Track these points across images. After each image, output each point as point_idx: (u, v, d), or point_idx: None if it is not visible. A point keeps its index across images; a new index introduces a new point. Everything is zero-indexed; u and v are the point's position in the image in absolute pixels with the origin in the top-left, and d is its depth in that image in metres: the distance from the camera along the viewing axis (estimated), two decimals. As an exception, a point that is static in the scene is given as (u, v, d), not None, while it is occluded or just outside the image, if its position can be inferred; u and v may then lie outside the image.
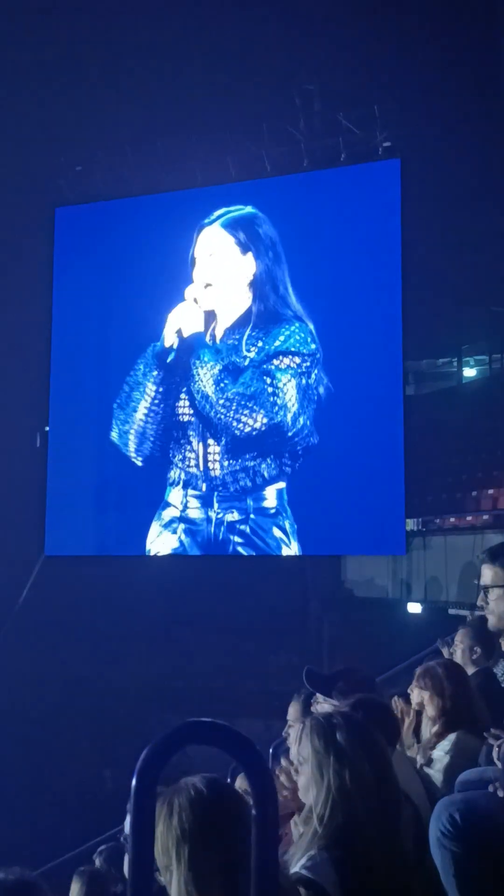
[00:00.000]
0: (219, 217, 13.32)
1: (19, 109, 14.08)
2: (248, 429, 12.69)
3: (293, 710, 3.50)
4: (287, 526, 12.59)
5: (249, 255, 13.08)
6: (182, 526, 13.12)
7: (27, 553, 14.34)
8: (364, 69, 13.59)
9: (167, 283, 13.62)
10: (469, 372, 17.77)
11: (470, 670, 4.13)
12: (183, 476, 13.18)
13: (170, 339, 13.30)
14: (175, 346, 13.21)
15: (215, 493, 12.93)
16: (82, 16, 13.95)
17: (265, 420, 12.64)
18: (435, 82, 13.76)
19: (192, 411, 13.22)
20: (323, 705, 3.17)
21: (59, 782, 12.23)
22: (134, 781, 1.13)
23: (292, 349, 12.64)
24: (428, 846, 2.30)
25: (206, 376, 13.04)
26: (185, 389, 13.29)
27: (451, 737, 3.26)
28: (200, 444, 13.10)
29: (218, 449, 12.97)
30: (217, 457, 12.97)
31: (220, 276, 13.13)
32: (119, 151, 13.99)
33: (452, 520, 12.74)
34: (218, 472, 12.93)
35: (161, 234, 13.78)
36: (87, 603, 13.77)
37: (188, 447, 13.20)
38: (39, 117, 14.07)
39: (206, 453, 13.04)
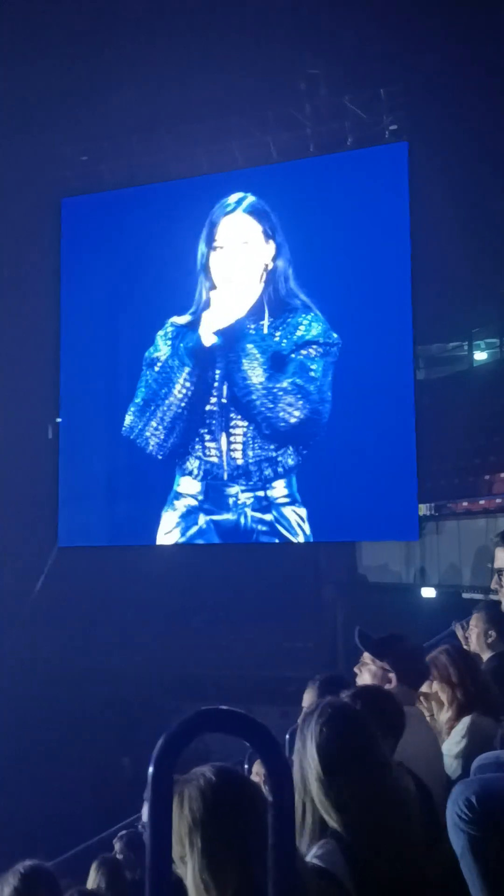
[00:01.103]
0: (238, 203, 13.23)
1: (24, 100, 14.02)
2: (293, 419, 12.62)
3: (308, 697, 3.51)
4: (303, 513, 12.60)
5: (271, 242, 13.03)
6: (204, 516, 13.11)
7: (41, 544, 14.42)
8: (369, 52, 13.45)
9: (175, 272, 13.59)
10: (480, 355, 17.67)
11: (485, 655, 4.12)
12: (204, 466, 13.15)
13: (213, 325, 13.16)
14: (218, 332, 13.06)
15: (239, 483, 12.91)
16: (86, 5, 13.87)
17: (307, 411, 12.56)
18: (441, 63, 13.61)
19: (218, 400, 13.10)
20: (370, 666, 3.20)
21: (77, 771, 12.33)
22: (151, 769, 1.14)
23: (320, 339, 12.58)
24: (444, 830, 2.30)
25: (251, 364, 12.94)
26: (217, 378, 13.16)
27: (465, 720, 3.27)
28: (224, 434, 13.05)
29: (241, 438, 12.92)
30: (240, 446, 12.93)
31: (251, 264, 13.04)
32: (124, 140, 13.95)
33: (465, 504, 12.70)
34: (241, 462, 12.90)
35: (168, 222, 13.74)
36: (102, 593, 13.83)
37: (210, 437, 13.14)
38: (44, 107, 14.01)
39: (230, 443, 13.00)
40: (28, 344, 14.44)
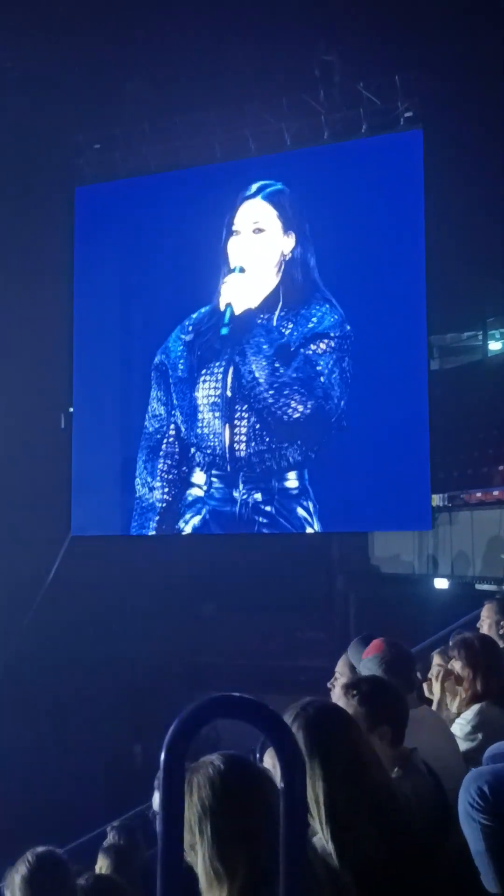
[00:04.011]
0: (260, 190, 13.17)
1: (36, 88, 14.00)
2: (296, 415, 12.57)
3: (342, 664, 3.49)
4: (310, 507, 12.57)
5: (291, 232, 12.97)
6: (207, 507, 13.14)
7: (54, 534, 14.47)
8: (384, 39, 13.33)
9: (189, 260, 13.56)
10: (494, 345, 17.55)
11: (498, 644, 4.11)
12: (207, 457, 13.16)
13: (223, 313, 13.06)
14: (227, 321, 12.97)
15: (241, 474, 12.90)
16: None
17: (312, 406, 12.50)
18: (456, 50, 13.48)
19: (223, 392, 13.07)
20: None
21: (89, 759, 12.41)
22: (163, 755, 1.13)
23: (331, 332, 12.51)
24: (455, 818, 2.30)
25: (257, 357, 12.86)
26: (223, 369, 13.11)
27: (475, 707, 3.27)
28: (228, 426, 13.03)
29: (245, 430, 12.89)
30: (243, 438, 12.91)
31: (265, 252, 12.98)
32: (137, 128, 13.90)
33: (479, 495, 12.66)
34: (244, 454, 12.89)
35: (181, 211, 13.71)
36: (114, 582, 13.87)
37: (212, 428, 13.15)
38: (56, 96, 13.98)
39: (232, 434, 12.99)
40: (41, 334, 14.45)
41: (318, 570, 14.55)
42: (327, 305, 12.62)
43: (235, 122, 13.27)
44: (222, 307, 12.97)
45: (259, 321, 12.84)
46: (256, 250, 12.99)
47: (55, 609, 13.95)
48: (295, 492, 12.65)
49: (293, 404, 12.59)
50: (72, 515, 14.17)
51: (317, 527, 12.59)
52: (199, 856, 1.55)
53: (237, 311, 12.83)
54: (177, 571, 13.65)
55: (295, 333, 12.66)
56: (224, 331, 12.85)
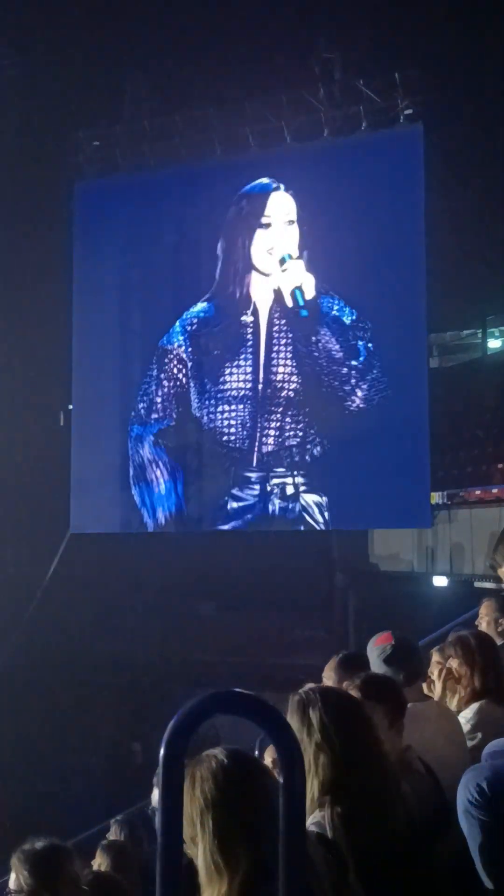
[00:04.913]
0: (278, 182, 13.12)
1: (36, 85, 13.99)
2: (354, 406, 12.44)
3: (328, 669, 3.51)
4: (325, 501, 12.57)
5: (295, 225, 13.00)
6: (233, 502, 13.08)
7: (53, 531, 14.47)
8: (384, 35, 13.34)
9: (188, 257, 13.54)
10: (494, 343, 17.55)
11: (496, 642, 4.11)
12: (233, 452, 13.09)
13: (248, 306, 13.01)
14: (302, 303, 12.74)
15: (267, 469, 12.86)
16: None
17: (367, 396, 12.40)
18: (456, 46, 13.48)
19: (254, 385, 12.94)
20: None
21: (88, 756, 12.42)
22: (162, 751, 1.13)
23: (360, 324, 12.46)
24: (454, 813, 2.31)
25: (286, 349, 12.78)
26: (251, 361, 12.99)
27: (474, 706, 3.27)
28: (255, 420, 12.96)
29: (276, 424, 12.82)
30: (273, 433, 12.85)
31: (300, 243, 12.93)
32: (137, 125, 13.88)
33: (478, 492, 12.67)
34: (272, 448, 12.84)
35: (180, 207, 13.69)
36: (113, 579, 13.88)
37: (241, 422, 13.09)
38: (56, 93, 13.97)
39: (262, 428, 12.92)
40: (40, 331, 14.44)
41: (317, 568, 14.55)
42: (336, 297, 12.62)
43: (235, 119, 13.25)
44: (287, 291, 12.73)
45: (284, 312, 12.80)
46: (294, 240, 12.94)
47: (54, 606, 13.96)
48: (312, 486, 12.62)
49: (360, 392, 12.45)
50: (70, 513, 14.16)
51: (328, 519, 12.60)
52: (199, 849, 1.55)
53: (307, 296, 12.63)
54: (175, 569, 13.65)
55: (324, 326, 12.59)
56: (304, 313, 12.62)
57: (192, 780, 1.58)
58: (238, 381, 13.12)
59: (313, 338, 12.66)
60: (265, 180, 13.19)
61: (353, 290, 12.56)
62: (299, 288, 12.59)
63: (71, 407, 14.67)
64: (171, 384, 13.61)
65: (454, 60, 13.52)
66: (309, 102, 12.99)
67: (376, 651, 3.06)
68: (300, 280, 12.64)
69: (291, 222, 12.98)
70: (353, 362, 12.43)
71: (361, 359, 12.37)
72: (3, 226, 14.06)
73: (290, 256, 12.75)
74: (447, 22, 13.40)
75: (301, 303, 12.56)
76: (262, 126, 13.25)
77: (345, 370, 12.47)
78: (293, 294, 12.59)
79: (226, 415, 13.18)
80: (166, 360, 13.63)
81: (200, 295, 13.48)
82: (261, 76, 13.37)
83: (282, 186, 13.13)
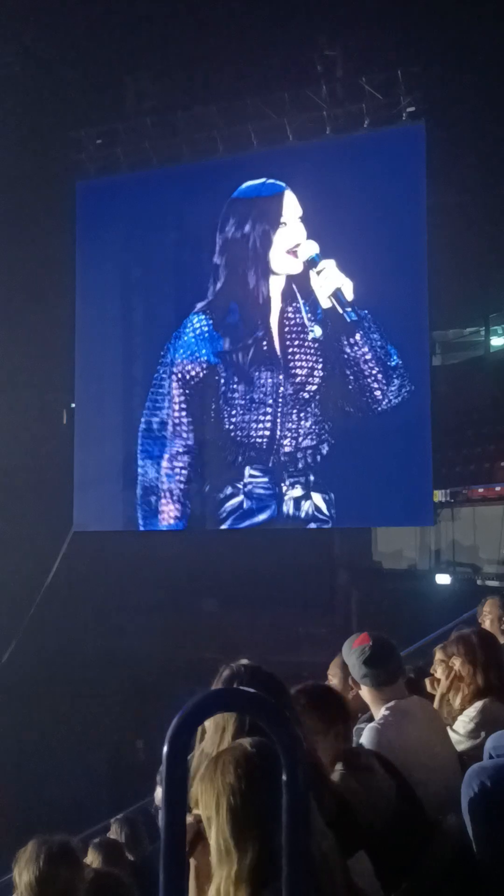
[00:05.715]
0: (282, 183, 13.13)
1: (38, 84, 13.99)
2: (381, 407, 12.38)
3: (334, 666, 3.51)
4: (332, 498, 12.58)
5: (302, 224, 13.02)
6: (248, 501, 13.09)
7: (56, 529, 14.48)
8: (386, 33, 13.30)
9: (190, 255, 13.54)
10: (496, 341, 17.51)
11: (500, 640, 4.11)
12: (249, 452, 13.09)
13: (264, 308, 12.96)
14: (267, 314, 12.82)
15: (282, 470, 12.86)
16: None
17: (395, 396, 12.31)
18: (458, 44, 13.44)
19: (273, 387, 12.94)
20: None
21: (92, 754, 12.42)
22: (165, 748, 1.14)
23: (365, 323, 12.44)
24: (433, 822, 2.36)
25: (298, 349, 12.77)
26: (265, 362, 12.97)
27: (478, 703, 3.26)
28: (272, 421, 12.96)
29: (293, 426, 12.81)
30: (289, 434, 12.83)
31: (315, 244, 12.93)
32: (139, 124, 13.87)
33: (481, 490, 12.66)
34: (289, 449, 12.84)
35: (183, 206, 13.69)
36: (116, 577, 13.89)
37: (258, 423, 13.09)
38: (58, 91, 13.97)
39: (280, 429, 12.91)
40: (43, 329, 14.45)
41: (320, 566, 14.55)
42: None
43: (237, 118, 13.24)
44: (326, 294, 12.54)
45: (295, 313, 12.77)
46: (303, 240, 12.93)
47: (57, 604, 13.97)
48: (321, 485, 12.63)
49: (388, 393, 12.36)
50: (74, 511, 14.18)
51: (335, 517, 12.62)
52: (213, 829, 1.63)
53: (348, 297, 12.47)
54: (179, 567, 13.66)
55: (331, 326, 12.55)
56: (352, 315, 12.40)
57: (216, 763, 1.66)
58: (257, 383, 13.10)
59: (351, 339, 12.50)
60: (270, 180, 13.15)
61: (355, 287, 12.55)
62: (340, 290, 12.42)
63: (74, 405, 14.67)
64: (183, 386, 13.59)
65: (456, 58, 13.48)
66: (311, 100, 12.98)
67: (355, 653, 3.04)
68: (339, 281, 12.47)
69: (301, 221, 12.99)
70: (389, 363, 12.36)
71: (394, 360, 12.31)
72: (6, 224, 14.05)
73: (318, 255, 12.61)
74: (449, 19, 13.36)
75: (346, 305, 12.40)
76: (265, 124, 13.25)
77: (377, 370, 12.40)
78: (336, 296, 12.40)
79: (242, 416, 13.17)
80: (177, 360, 13.60)
81: (203, 293, 13.47)
82: (263, 74, 13.36)
83: (286, 188, 13.12)
